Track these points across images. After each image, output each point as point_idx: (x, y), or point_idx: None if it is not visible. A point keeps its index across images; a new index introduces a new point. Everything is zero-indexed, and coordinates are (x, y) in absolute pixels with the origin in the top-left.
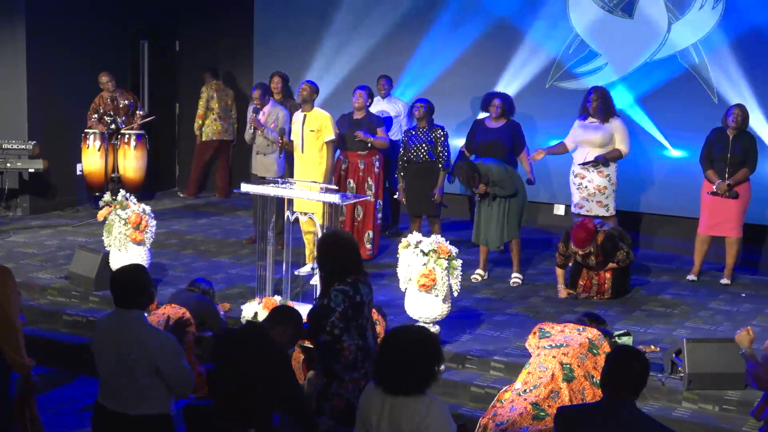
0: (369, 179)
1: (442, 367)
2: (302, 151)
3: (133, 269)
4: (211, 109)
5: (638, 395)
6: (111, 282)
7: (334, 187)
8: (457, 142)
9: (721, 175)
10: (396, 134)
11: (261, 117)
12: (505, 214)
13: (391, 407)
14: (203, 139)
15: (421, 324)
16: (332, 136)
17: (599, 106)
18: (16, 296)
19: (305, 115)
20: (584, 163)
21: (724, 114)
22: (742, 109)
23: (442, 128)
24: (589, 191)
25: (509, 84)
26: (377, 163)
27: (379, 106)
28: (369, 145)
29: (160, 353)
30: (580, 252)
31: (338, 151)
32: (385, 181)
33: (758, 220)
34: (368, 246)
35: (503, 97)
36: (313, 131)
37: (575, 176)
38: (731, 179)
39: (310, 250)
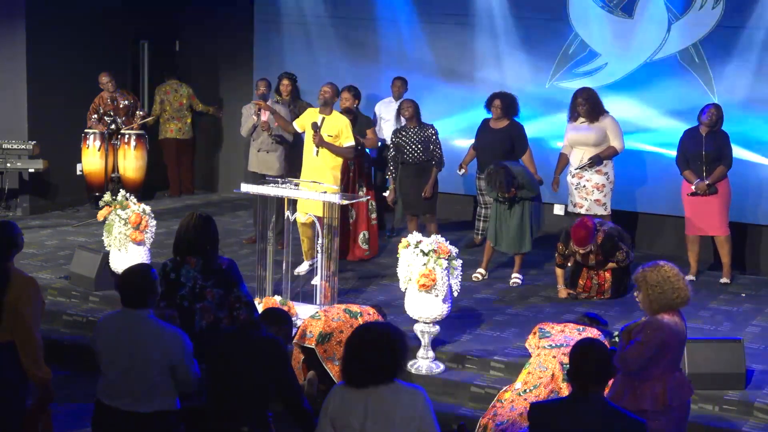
0: (360, 180)
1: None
2: (316, 154)
3: (143, 269)
4: (165, 109)
5: (604, 386)
6: (121, 282)
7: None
8: (457, 143)
9: (699, 174)
10: None
11: (263, 116)
12: (527, 217)
13: (376, 403)
14: (159, 138)
15: (421, 324)
16: (352, 141)
17: (589, 108)
18: (40, 307)
19: (324, 118)
20: (580, 167)
21: (699, 112)
22: (717, 108)
23: (432, 126)
24: (587, 189)
25: (509, 84)
26: (366, 163)
27: (392, 106)
28: (359, 146)
29: (176, 349)
30: (580, 251)
31: None
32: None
33: (758, 220)
34: (364, 246)
35: (503, 97)
36: (332, 136)
37: (572, 177)
38: (710, 178)
39: (307, 247)
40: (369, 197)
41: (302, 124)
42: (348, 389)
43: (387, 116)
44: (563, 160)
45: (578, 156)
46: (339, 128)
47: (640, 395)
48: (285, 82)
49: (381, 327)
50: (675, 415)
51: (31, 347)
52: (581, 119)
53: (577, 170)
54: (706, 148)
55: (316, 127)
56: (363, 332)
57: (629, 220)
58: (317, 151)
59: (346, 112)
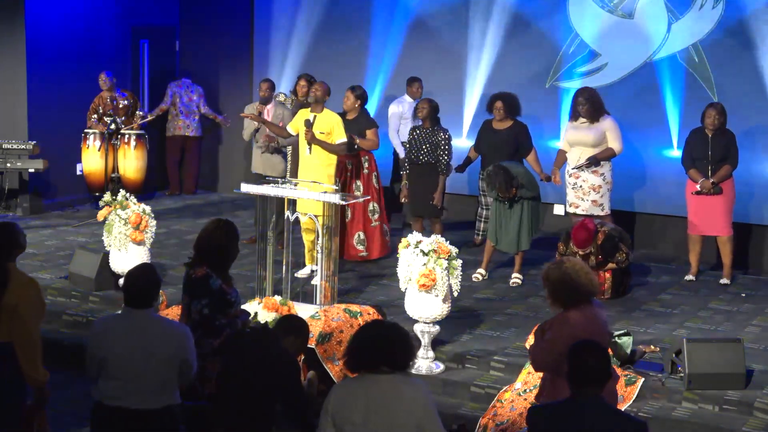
0: (357, 180)
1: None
2: (309, 152)
3: (148, 269)
4: (174, 103)
5: (603, 388)
6: (127, 283)
7: (335, 186)
8: (457, 143)
9: (704, 173)
10: None
11: (266, 117)
12: (527, 217)
13: (377, 396)
14: (167, 135)
15: (421, 323)
16: (344, 138)
17: (588, 109)
18: (41, 309)
19: (315, 116)
20: (577, 167)
21: (702, 113)
22: (716, 109)
23: (446, 131)
24: (584, 190)
25: (509, 84)
26: (366, 164)
27: (406, 106)
28: (356, 146)
29: (186, 344)
30: (581, 252)
31: None
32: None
33: (758, 220)
34: (359, 247)
35: (505, 98)
36: (324, 133)
37: (569, 176)
38: (714, 176)
39: (308, 250)
40: (367, 198)
41: (296, 126)
42: (348, 384)
43: (408, 115)
44: (561, 157)
45: (576, 155)
46: (331, 125)
47: (558, 387)
48: (302, 83)
49: (391, 323)
50: None
51: (29, 350)
52: (582, 119)
53: (574, 170)
54: (712, 148)
55: (309, 124)
56: (377, 323)
57: (628, 220)
58: (310, 149)
59: (346, 111)
